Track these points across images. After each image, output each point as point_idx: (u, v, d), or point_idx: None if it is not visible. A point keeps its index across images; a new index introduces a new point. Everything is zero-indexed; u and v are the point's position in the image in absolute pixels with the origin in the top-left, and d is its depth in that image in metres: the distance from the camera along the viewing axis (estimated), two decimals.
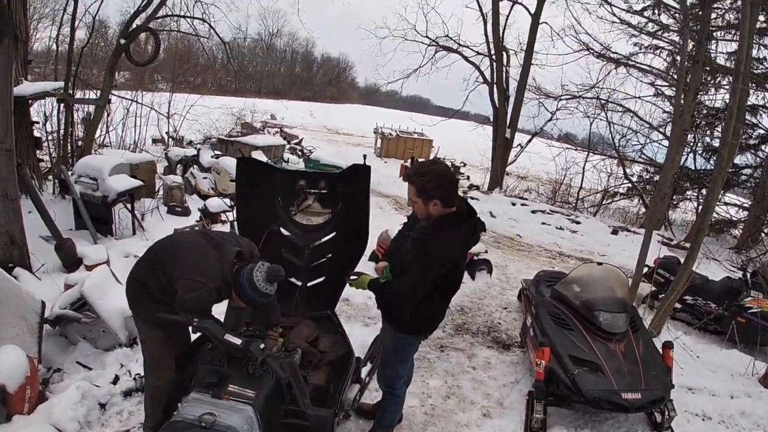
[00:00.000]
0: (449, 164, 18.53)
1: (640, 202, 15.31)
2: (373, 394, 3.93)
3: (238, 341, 2.43)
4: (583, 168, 15.74)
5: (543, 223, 11.98)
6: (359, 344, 4.44)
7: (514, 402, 4.12)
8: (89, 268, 4.85)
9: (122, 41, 8.17)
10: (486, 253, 7.17)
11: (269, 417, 2.43)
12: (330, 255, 3.86)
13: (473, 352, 4.93)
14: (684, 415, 4.01)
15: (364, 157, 3.71)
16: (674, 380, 3.86)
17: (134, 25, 8.44)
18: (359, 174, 3.59)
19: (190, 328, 2.52)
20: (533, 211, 13.03)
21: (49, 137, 8.28)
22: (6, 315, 3.54)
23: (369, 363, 4.15)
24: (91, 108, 8.71)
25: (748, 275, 6.32)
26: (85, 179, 6.17)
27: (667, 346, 3.95)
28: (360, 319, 5.31)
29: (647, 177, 15.59)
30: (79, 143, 8.28)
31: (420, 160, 17.63)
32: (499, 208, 12.81)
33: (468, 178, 17.65)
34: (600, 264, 4.85)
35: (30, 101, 6.68)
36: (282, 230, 3.80)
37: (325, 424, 2.58)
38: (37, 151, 7.27)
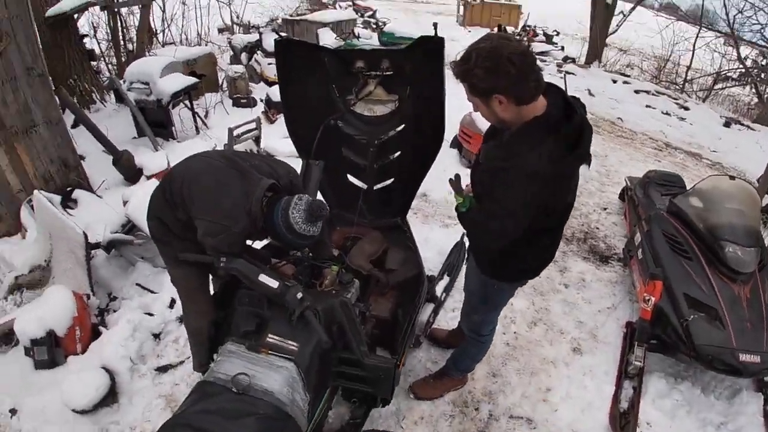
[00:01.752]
0: (541, 32, 16.71)
1: (753, 91, 12.78)
2: (449, 315, 3.48)
3: (274, 284, 1.97)
4: (694, 44, 13.28)
5: (647, 106, 10.35)
6: (437, 250, 4.01)
7: (608, 334, 3.50)
8: (150, 178, 4.65)
9: None
10: None
11: (318, 370, 2.03)
12: (399, 152, 3.20)
13: (566, 264, 4.27)
14: None
15: (435, 26, 2.80)
16: None
17: None
18: (430, 48, 2.72)
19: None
20: (636, 91, 11.31)
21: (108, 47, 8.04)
22: (59, 250, 3.46)
23: (446, 276, 3.68)
24: None
25: None
26: (138, 85, 5.84)
27: None
28: (439, 218, 4.66)
29: (763, 63, 12.83)
30: (130, 48, 7.94)
31: (508, 27, 16.00)
32: (598, 86, 11.19)
33: (562, 49, 15.68)
34: (732, 178, 3.81)
35: (75, 15, 6.31)
36: (340, 124, 3.15)
37: (385, 376, 2.15)
38: (94, 63, 7.04)
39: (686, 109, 10.64)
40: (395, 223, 3.32)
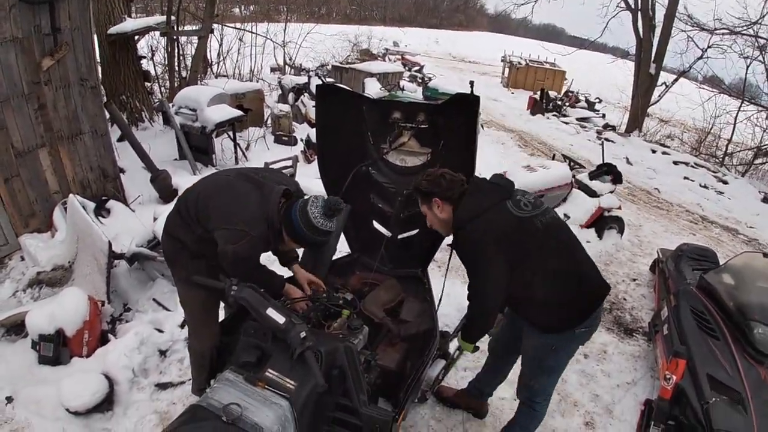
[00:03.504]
0: (583, 98, 16.81)
1: None
2: (459, 374, 3.37)
3: (281, 319, 1.94)
4: (735, 118, 12.90)
5: (686, 178, 10.18)
6: (456, 306, 3.91)
7: (625, 411, 3.30)
8: None
9: None
10: (619, 209, 5.96)
11: (312, 413, 1.95)
12: None
13: None
14: None
15: (471, 84, 2.87)
16: None
17: None
18: (466, 106, 2.78)
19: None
20: (675, 162, 11.18)
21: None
22: (83, 254, 3.55)
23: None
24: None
25: None
26: (185, 110, 6.13)
27: None
28: (462, 274, 4.45)
29: None
30: (184, 75, 8.33)
31: (551, 92, 16.20)
32: (636, 155, 11.15)
33: (603, 116, 15.73)
34: (766, 255, 3.72)
35: (136, 37, 6.70)
36: (371, 171, 3.20)
37: (381, 428, 2.06)
38: (148, 84, 7.41)
39: (725, 183, 10.40)
40: (415, 274, 3.28)
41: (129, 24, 6.23)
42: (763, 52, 11.87)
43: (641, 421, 3.09)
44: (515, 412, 2.67)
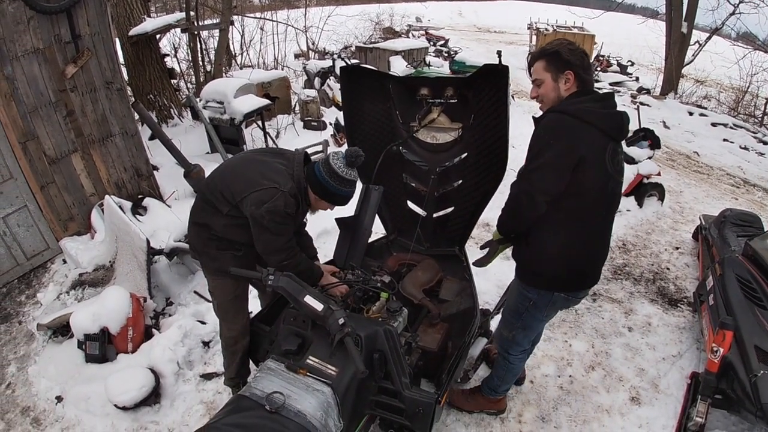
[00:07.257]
0: (614, 62, 16.14)
1: None
2: None
3: (319, 306, 1.95)
4: None
5: (725, 140, 9.69)
6: (495, 283, 3.90)
7: (671, 385, 3.21)
8: None
9: None
10: (659, 175, 5.75)
11: (355, 398, 1.97)
12: (461, 180, 3.12)
13: (632, 306, 3.99)
14: None
15: (499, 54, 2.75)
16: None
17: None
18: (495, 77, 2.69)
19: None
20: (714, 124, 10.65)
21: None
22: (123, 253, 3.64)
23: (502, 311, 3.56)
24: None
25: None
26: (213, 104, 6.15)
27: None
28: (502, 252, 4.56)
29: None
30: (208, 69, 8.37)
31: None
32: (673, 118, 10.66)
33: (637, 79, 15.03)
34: None
35: (158, 36, 6.75)
36: (402, 150, 3.15)
37: (424, 411, 2.06)
38: (174, 81, 7.49)
39: (765, 143, 9.89)
40: (453, 252, 3.23)
41: (149, 24, 6.27)
42: None
43: (687, 395, 2.99)
44: (494, 363, 2.72)
